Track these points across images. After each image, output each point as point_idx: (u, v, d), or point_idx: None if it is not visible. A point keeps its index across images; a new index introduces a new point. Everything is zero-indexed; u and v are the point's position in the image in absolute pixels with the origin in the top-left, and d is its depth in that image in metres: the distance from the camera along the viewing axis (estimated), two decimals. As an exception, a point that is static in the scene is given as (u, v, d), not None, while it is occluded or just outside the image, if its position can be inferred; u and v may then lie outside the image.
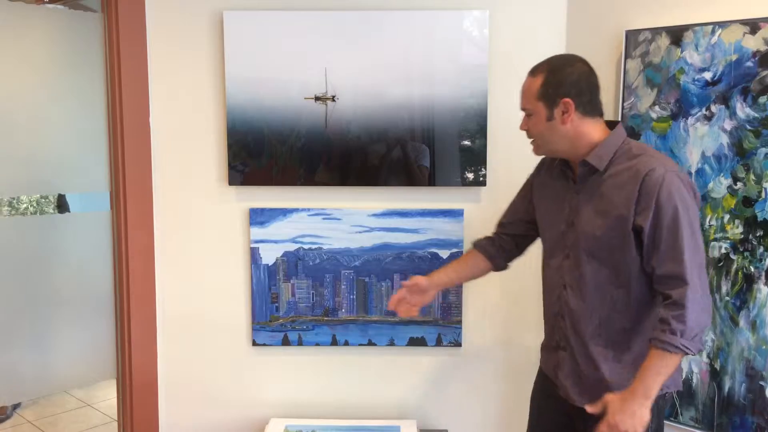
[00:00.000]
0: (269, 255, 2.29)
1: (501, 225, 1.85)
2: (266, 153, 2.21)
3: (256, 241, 2.29)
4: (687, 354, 1.47)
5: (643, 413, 1.47)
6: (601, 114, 1.58)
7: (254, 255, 2.30)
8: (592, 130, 1.56)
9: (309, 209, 2.27)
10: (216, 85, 2.23)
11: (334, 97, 2.17)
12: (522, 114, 1.60)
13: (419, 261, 2.27)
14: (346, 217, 2.26)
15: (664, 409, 1.64)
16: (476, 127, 2.17)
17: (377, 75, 2.17)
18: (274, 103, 2.18)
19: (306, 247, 2.27)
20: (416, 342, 2.31)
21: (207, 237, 2.33)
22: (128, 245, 2.23)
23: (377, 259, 2.27)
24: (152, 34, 2.22)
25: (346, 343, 2.32)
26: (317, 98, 2.17)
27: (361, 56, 2.17)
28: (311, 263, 2.28)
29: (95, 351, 2.40)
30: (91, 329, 2.40)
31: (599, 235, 1.55)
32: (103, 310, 2.39)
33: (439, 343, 2.31)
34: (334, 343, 2.32)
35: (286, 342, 2.33)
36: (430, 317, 2.31)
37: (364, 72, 2.17)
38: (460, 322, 2.32)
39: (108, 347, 2.40)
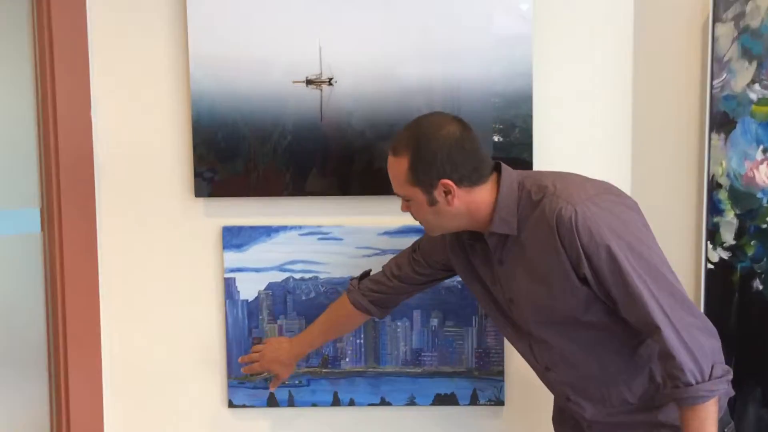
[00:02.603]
0: (249, 288, 2.29)
1: (397, 267, 1.96)
2: (243, 155, 2.21)
3: (232, 270, 2.28)
4: (716, 394, 1.53)
5: None
6: (488, 173, 1.65)
7: (229, 288, 2.29)
8: (485, 195, 1.63)
9: (300, 227, 2.26)
10: (177, 68, 2.25)
11: (330, 80, 2.18)
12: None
13: (447, 294, 2.25)
14: (350, 237, 2.25)
15: None
16: (516, 117, 2.17)
17: (386, 51, 2.18)
18: (253, 90, 2.18)
19: (297, 276, 2.27)
20: (445, 400, 2.29)
21: (167, 265, 2.33)
22: (64, 277, 2.23)
23: (392, 293, 2.19)
24: (93, 10, 2.26)
25: (352, 403, 2.31)
26: (309, 82, 2.18)
27: (366, 27, 2.19)
28: (304, 298, 2.27)
29: (23, 414, 2.38)
30: (19, 387, 2.37)
31: (549, 304, 1.62)
32: (32, 361, 2.38)
33: (474, 401, 2.30)
34: (336, 402, 2.31)
35: (272, 402, 2.33)
36: (462, 367, 2.29)
37: (370, 47, 2.18)
38: (501, 373, 2.29)
39: (40, 409, 2.38)
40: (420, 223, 1.73)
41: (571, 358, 1.70)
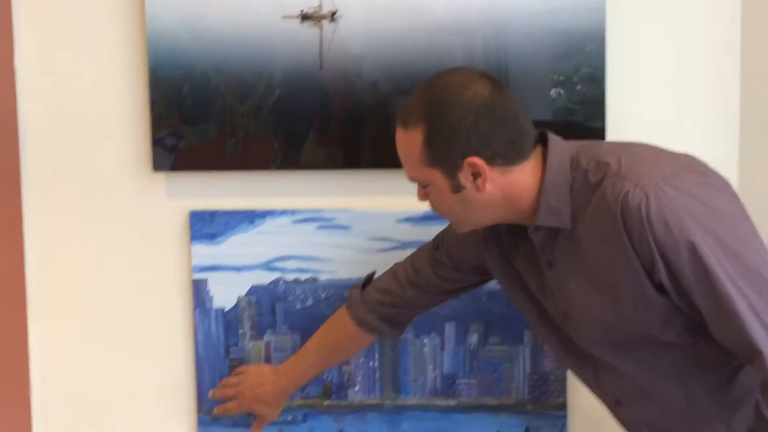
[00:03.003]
0: (226, 293, 2.16)
1: (414, 271, 1.92)
2: (216, 115, 2.10)
3: (203, 269, 2.15)
4: None
5: None
6: (530, 147, 1.60)
7: (199, 292, 2.17)
8: (527, 177, 1.59)
9: (294, 211, 2.13)
10: (127, 0, 2.14)
11: (333, 14, 2.06)
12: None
13: (490, 300, 2.10)
14: (359, 225, 2.14)
15: None
16: (583, 63, 2.08)
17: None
18: (229, 27, 2.08)
19: (290, 277, 2.14)
20: None
21: (116, 263, 2.20)
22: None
23: (416, 298, 2.12)
24: None
25: None
26: (305, 17, 2.06)
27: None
28: (299, 306, 2.16)
29: None
30: None
31: (615, 320, 1.59)
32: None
33: None
34: None
35: None
36: (510, 398, 2.15)
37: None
38: (563, 406, 2.14)
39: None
40: (442, 215, 1.68)
41: (648, 390, 1.66)
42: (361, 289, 1.96)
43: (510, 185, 1.59)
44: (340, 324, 1.99)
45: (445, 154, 1.56)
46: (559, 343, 1.75)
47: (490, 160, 1.56)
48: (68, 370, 2.22)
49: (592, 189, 1.55)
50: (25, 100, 2.17)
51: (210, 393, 2.10)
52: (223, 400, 2.09)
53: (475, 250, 1.81)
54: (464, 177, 1.58)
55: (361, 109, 2.07)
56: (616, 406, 1.73)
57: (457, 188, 1.59)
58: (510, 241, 1.73)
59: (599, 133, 2.06)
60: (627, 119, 2.12)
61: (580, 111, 2.06)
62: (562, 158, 1.59)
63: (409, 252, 1.99)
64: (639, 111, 2.13)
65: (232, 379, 2.07)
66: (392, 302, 1.93)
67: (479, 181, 1.57)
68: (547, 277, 1.67)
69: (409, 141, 1.60)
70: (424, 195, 1.66)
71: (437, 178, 1.60)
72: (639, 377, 1.66)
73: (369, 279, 1.98)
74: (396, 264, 1.94)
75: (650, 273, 1.50)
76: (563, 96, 2.05)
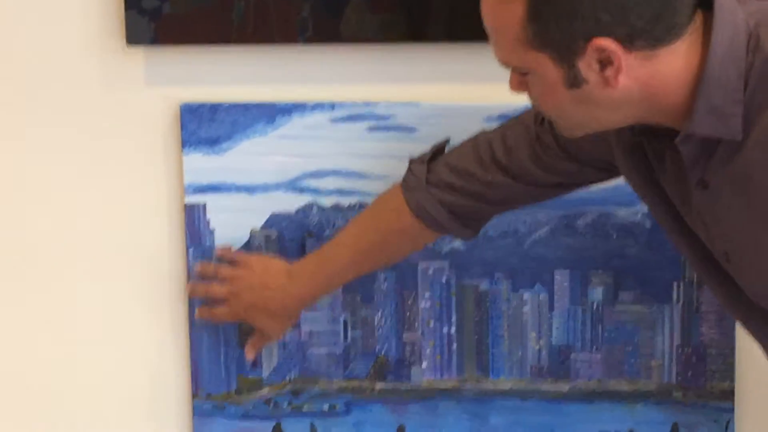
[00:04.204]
0: (233, 224, 1.84)
1: (505, 149, 1.65)
2: None
3: (200, 190, 1.83)
4: None
5: None
6: (686, 20, 1.30)
7: (195, 224, 1.85)
8: (678, 63, 1.30)
9: (333, 104, 1.81)
10: None
11: None
12: None
13: (623, 236, 1.77)
14: (430, 125, 1.80)
15: None
16: None
17: None
18: None
19: (327, 201, 1.83)
20: None
21: (77, 178, 1.86)
22: None
23: (512, 232, 1.85)
24: None
25: None
26: None
27: None
28: None
29: None
30: None
31: None
32: None
33: None
34: None
35: None
36: (650, 382, 1.82)
37: None
38: (730, 394, 1.80)
39: None
40: (546, 115, 1.44)
41: None
42: (426, 164, 1.64)
43: (653, 76, 1.30)
44: (391, 211, 1.68)
45: (559, 34, 1.27)
46: (724, 292, 1.49)
47: (627, 42, 1.26)
48: (15, 346, 1.91)
49: None
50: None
51: (188, 287, 1.80)
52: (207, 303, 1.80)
53: (602, 143, 1.50)
54: (586, 66, 1.28)
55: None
56: None
57: (574, 81, 1.30)
58: (651, 145, 1.43)
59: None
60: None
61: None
62: (735, 34, 1.29)
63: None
64: None
65: (225, 270, 1.77)
66: (469, 189, 1.62)
67: (609, 71, 1.27)
68: (698, 201, 1.39)
69: (503, 12, 1.31)
70: (520, 84, 1.36)
71: (544, 65, 1.30)
72: None
73: (439, 150, 1.67)
74: (480, 134, 1.62)
75: None
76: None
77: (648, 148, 1.45)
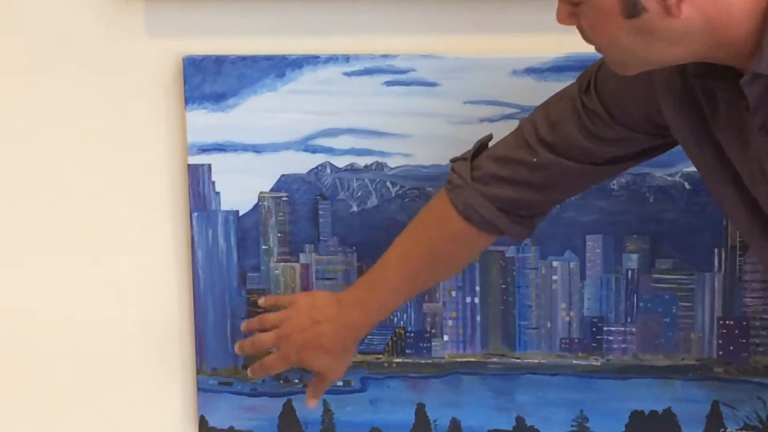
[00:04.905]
0: (240, 187, 1.77)
1: (549, 125, 1.58)
2: None
3: (205, 149, 1.76)
4: None
5: None
6: None
7: (199, 187, 1.78)
8: None
9: (348, 57, 1.74)
10: None
11: None
12: None
13: (661, 198, 1.71)
14: (453, 79, 1.73)
15: None
16: None
17: None
18: None
19: (342, 162, 1.76)
20: (651, 427, 1.78)
21: (74, 139, 1.78)
22: None
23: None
24: None
25: (456, 429, 1.82)
26: None
27: None
28: (356, 208, 1.78)
29: None
30: None
31: None
32: None
33: (716, 423, 1.77)
34: (423, 423, 1.81)
35: (290, 421, 1.83)
36: (690, 357, 1.77)
37: None
38: None
39: None
40: (600, 50, 1.33)
41: None
42: (469, 161, 1.55)
43: (717, 5, 1.20)
44: (437, 219, 1.59)
45: None
46: (760, 242, 1.41)
47: None
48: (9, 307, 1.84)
49: None
50: None
51: (237, 346, 1.69)
52: (257, 356, 1.70)
53: (650, 101, 1.42)
54: None
55: None
56: None
57: (633, 10, 1.20)
58: (706, 91, 1.34)
59: None
60: None
61: None
62: None
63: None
64: None
65: (271, 316, 1.65)
66: (516, 178, 1.53)
67: (671, 0, 1.20)
68: (758, 149, 1.29)
69: None
70: (570, 15, 1.26)
71: None
72: None
73: (483, 146, 1.58)
74: (521, 121, 1.54)
75: None
76: None
77: (701, 96, 1.38)
